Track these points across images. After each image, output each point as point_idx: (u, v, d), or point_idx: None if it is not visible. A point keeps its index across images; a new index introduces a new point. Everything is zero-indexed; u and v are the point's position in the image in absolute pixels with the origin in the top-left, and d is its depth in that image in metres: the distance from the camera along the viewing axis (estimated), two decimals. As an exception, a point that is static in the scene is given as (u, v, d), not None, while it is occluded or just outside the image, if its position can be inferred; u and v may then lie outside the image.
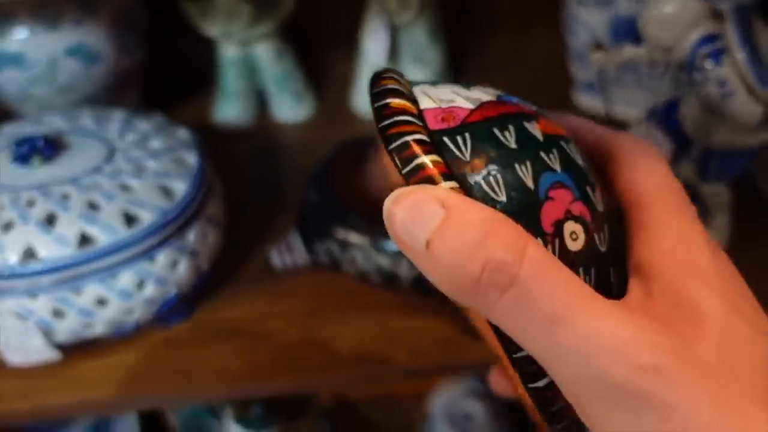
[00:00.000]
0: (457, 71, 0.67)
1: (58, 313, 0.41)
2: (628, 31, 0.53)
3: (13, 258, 0.38)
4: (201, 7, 0.58)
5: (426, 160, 0.19)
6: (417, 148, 0.19)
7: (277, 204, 0.57)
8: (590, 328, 0.17)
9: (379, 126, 0.20)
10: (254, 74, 0.63)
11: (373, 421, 0.95)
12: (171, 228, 0.42)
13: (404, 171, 0.19)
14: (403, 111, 0.20)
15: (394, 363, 0.45)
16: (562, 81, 0.65)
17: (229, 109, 0.63)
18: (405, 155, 0.19)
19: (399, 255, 0.45)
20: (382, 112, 0.20)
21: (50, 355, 0.43)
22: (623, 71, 0.55)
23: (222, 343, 0.46)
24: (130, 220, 0.40)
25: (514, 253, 0.18)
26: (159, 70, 0.66)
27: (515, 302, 0.18)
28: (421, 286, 0.46)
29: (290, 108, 0.64)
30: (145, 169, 0.43)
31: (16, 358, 0.43)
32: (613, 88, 0.55)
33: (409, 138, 0.19)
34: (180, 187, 0.43)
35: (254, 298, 0.49)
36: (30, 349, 0.42)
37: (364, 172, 0.55)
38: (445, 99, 0.21)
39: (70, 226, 0.39)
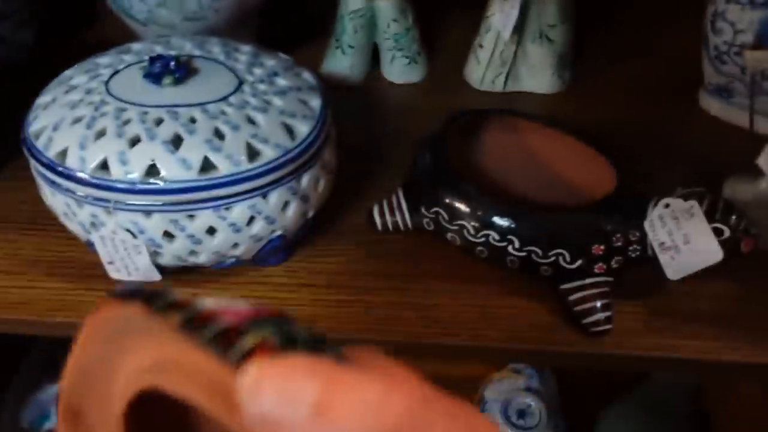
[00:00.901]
0: (579, 55, 0.65)
1: (168, 235, 0.40)
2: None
3: (135, 173, 0.38)
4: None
5: None
6: None
7: (378, 164, 0.56)
8: None
9: None
10: (372, 29, 0.61)
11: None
12: (289, 168, 0.41)
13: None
14: None
15: (486, 340, 0.44)
16: (690, 81, 0.62)
17: (342, 61, 0.62)
18: None
19: (511, 231, 0.43)
20: None
21: (153, 276, 0.43)
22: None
23: (316, 293, 0.46)
24: (252, 153, 0.40)
25: None
26: (273, 11, 0.65)
27: None
28: (528, 267, 0.44)
29: (403, 69, 0.63)
30: (271, 104, 0.42)
31: (117, 273, 0.43)
32: (755, 95, 0.52)
33: None
34: (302, 129, 0.42)
35: (351, 252, 0.48)
36: (133, 267, 0.42)
37: (476, 144, 0.53)
38: None
39: (194, 150, 0.39)
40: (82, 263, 0.47)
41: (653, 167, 0.54)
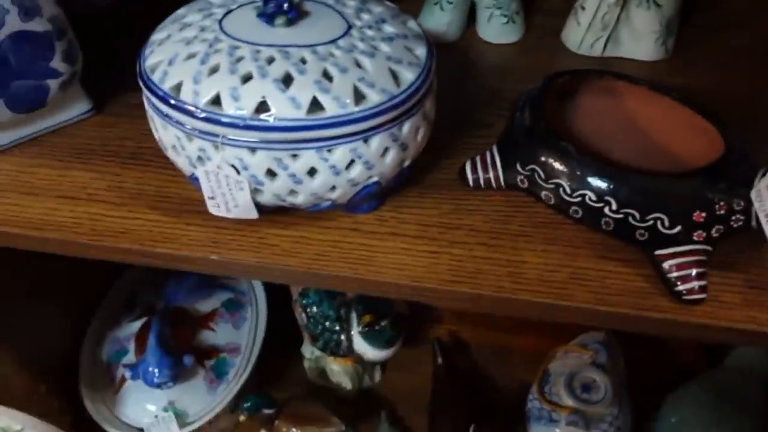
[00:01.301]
0: (684, 23, 0.62)
1: (271, 173, 0.41)
2: None
3: (247, 109, 0.39)
4: None
5: None
6: None
7: (471, 122, 0.55)
8: None
9: None
10: (472, -14, 0.61)
11: (483, 366, 0.94)
12: (392, 114, 0.41)
13: None
14: None
15: (575, 301, 0.44)
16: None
17: (440, 18, 0.62)
18: None
19: (609, 192, 0.43)
20: None
21: (251, 213, 0.44)
22: None
23: (405, 242, 0.46)
24: (359, 96, 0.40)
25: None
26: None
27: None
28: (623, 230, 0.43)
29: (500, 28, 0.62)
30: (378, 50, 0.42)
31: (217, 209, 0.45)
32: None
33: None
34: (408, 76, 0.42)
35: (441, 206, 0.49)
36: (234, 204, 0.44)
37: (574, 106, 0.52)
38: None
39: (304, 90, 0.39)
40: (181, 198, 0.49)
41: (760, 138, 0.52)
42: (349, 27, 0.43)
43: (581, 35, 0.60)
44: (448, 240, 0.46)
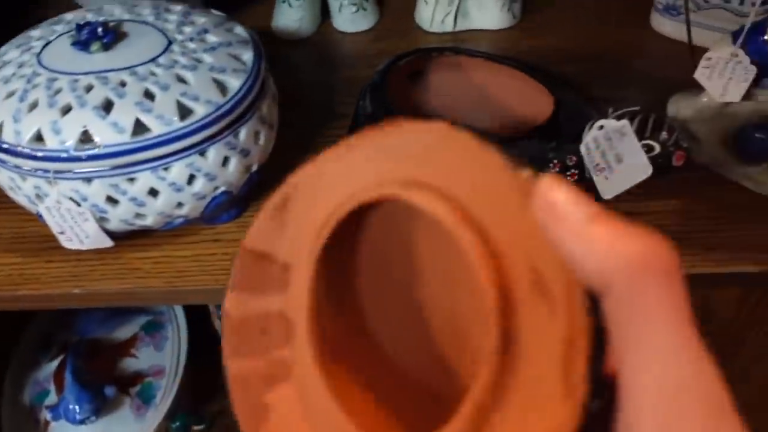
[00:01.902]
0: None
1: (111, 200, 0.41)
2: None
3: (70, 141, 0.39)
4: None
5: None
6: None
7: (331, 114, 0.56)
8: None
9: None
10: (317, -20, 0.61)
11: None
12: (223, 123, 0.41)
13: None
14: None
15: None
16: (641, 2, 0.61)
17: (290, 15, 0.62)
18: None
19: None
20: None
21: (104, 242, 0.44)
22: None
23: (269, 245, 0.47)
24: (183, 112, 0.40)
25: None
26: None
27: None
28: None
29: (352, 17, 0.63)
30: (201, 62, 0.42)
31: (70, 243, 0.44)
32: (699, 9, 0.52)
33: None
34: (234, 83, 0.42)
35: (303, 204, 0.49)
36: (84, 235, 0.43)
37: (422, 85, 0.53)
38: None
39: (125, 114, 0.39)
40: (39, 236, 0.48)
41: (604, 92, 0.54)
42: (170, 42, 0.43)
43: (431, 13, 0.62)
44: (311, 236, 0.47)
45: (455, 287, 0.21)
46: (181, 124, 0.40)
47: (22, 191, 0.42)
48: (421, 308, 0.23)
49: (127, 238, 0.46)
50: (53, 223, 0.43)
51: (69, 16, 0.46)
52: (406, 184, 0.20)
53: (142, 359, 0.85)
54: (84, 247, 0.44)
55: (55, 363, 0.84)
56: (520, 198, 0.18)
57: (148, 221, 0.43)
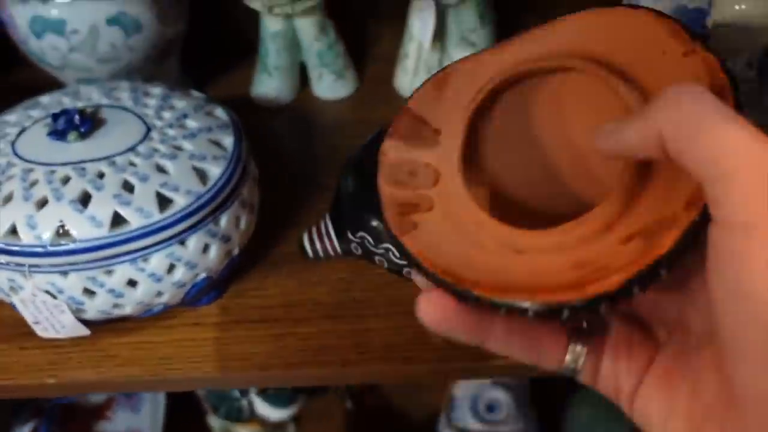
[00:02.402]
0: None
1: (88, 292, 0.40)
2: None
3: (46, 235, 0.38)
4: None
5: None
6: None
7: (313, 185, 0.56)
8: None
9: None
10: (296, 48, 0.61)
11: (396, 401, 0.95)
12: (204, 212, 0.41)
13: None
14: None
15: (421, 362, 0.44)
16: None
17: (269, 83, 0.62)
18: None
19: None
20: None
21: (81, 331, 0.43)
22: None
23: (250, 329, 0.46)
24: (163, 202, 0.40)
25: None
26: (199, 38, 0.64)
27: None
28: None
29: (331, 85, 0.63)
30: (180, 150, 0.42)
31: (45, 333, 0.43)
32: None
33: None
34: (215, 171, 0.42)
35: (284, 284, 0.48)
36: (59, 325, 0.42)
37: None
38: None
39: (103, 207, 0.39)
40: (14, 320, 0.46)
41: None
42: (149, 129, 0.42)
43: (409, 80, 0.62)
44: (293, 319, 0.46)
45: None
46: (161, 216, 0.39)
47: (-5, 284, 0.41)
48: (545, 159, 0.30)
49: (105, 323, 0.45)
50: (28, 314, 0.42)
51: (45, 99, 0.46)
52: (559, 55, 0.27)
53: (118, 422, 0.83)
54: (61, 336, 0.43)
55: (29, 428, 0.82)
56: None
57: (127, 310, 0.42)
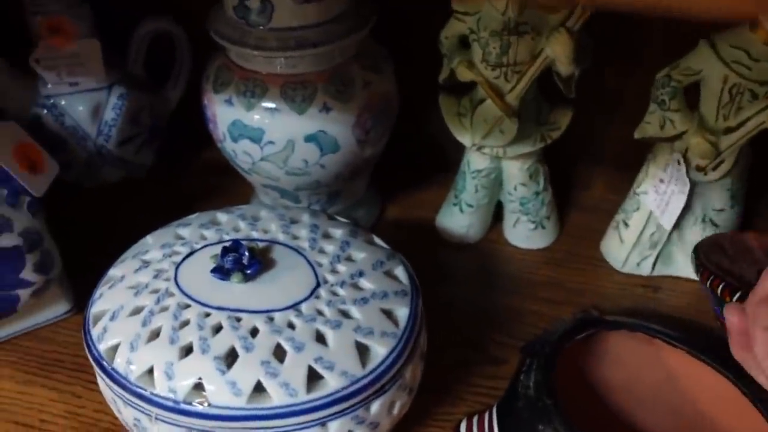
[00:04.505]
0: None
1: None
2: None
3: (179, 391, 0.34)
4: (459, 110, 0.51)
5: None
6: None
7: (483, 353, 0.48)
8: None
9: None
10: (497, 188, 0.54)
11: None
12: (356, 399, 0.34)
13: None
14: None
15: None
16: None
17: (459, 220, 0.55)
18: None
19: None
20: None
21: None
22: None
23: None
24: (314, 378, 0.34)
25: None
26: (392, 154, 0.59)
27: None
28: None
29: (528, 233, 0.55)
30: (347, 317, 0.36)
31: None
32: None
33: None
34: (380, 351, 0.35)
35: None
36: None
37: (603, 348, 0.44)
38: None
39: (248, 373, 0.34)
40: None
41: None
42: (318, 285, 0.37)
43: (625, 254, 0.52)
44: None
45: None
46: (307, 397, 0.33)
47: (122, 415, 0.37)
48: None
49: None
50: (147, 454, 0.37)
51: (223, 218, 0.42)
52: None
53: None
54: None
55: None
56: None
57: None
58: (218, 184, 0.61)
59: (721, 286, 0.39)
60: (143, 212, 0.46)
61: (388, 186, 0.62)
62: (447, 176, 0.58)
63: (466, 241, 0.56)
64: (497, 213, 0.57)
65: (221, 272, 0.37)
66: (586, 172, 0.62)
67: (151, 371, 0.35)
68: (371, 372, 0.35)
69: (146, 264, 0.40)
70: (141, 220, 0.46)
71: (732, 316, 0.29)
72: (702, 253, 0.44)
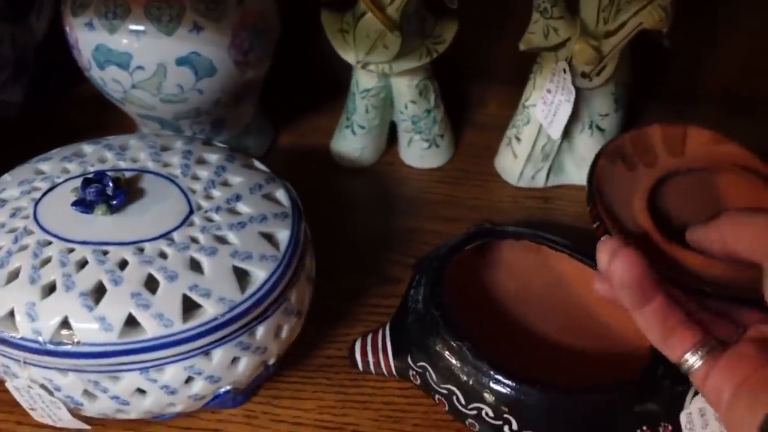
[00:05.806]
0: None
1: (88, 394, 0.34)
2: None
3: (45, 332, 0.32)
4: (342, 26, 0.49)
5: None
6: None
7: (379, 277, 0.48)
8: None
9: None
10: (388, 108, 0.53)
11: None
12: (236, 325, 0.34)
13: None
14: None
15: None
16: None
17: (352, 142, 0.54)
18: None
19: (510, 410, 0.35)
20: None
21: (81, 425, 0.37)
22: None
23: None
24: (189, 308, 0.33)
25: None
26: (281, 78, 0.57)
27: None
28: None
29: (422, 153, 0.54)
30: (223, 243, 0.35)
31: (42, 419, 0.37)
32: None
33: None
34: (259, 275, 0.34)
35: (324, 397, 0.41)
36: (56, 417, 0.36)
37: (493, 260, 0.44)
38: None
39: (117, 307, 0.32)
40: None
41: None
42: (191, 212, 0.35)
43: (520, 168, 0.53)
44: (324, 445, 0.39)
45: None
46: (183, 327, 0.32)
47: (-10, 362, 0.35)
48: None
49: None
50: (22, 401, 0.36)
51: (88, 149, 0.40)
52: None
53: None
54: (60, 426, 0.37)
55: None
56: None
57: (131, 416, 0.36)
58: (97, 119, 0.57)
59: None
60: (14, 155, 0.42)
61: (280, 112, 0.60)
62: (342, 100, 0.56)
63: (360, 164, 0.55)
64: (393, 134, 0.56)
65: (83, 205, 0.34)
66: (480, 89, 0.62)
67: (12, 314, 0.33)
68: (251, 296, 0.34)
69: (2, 203, 0.37)
70: (13, 164, 0.42)
71: (601, 253, 0.29)
72: (598, 169, 0.42)
